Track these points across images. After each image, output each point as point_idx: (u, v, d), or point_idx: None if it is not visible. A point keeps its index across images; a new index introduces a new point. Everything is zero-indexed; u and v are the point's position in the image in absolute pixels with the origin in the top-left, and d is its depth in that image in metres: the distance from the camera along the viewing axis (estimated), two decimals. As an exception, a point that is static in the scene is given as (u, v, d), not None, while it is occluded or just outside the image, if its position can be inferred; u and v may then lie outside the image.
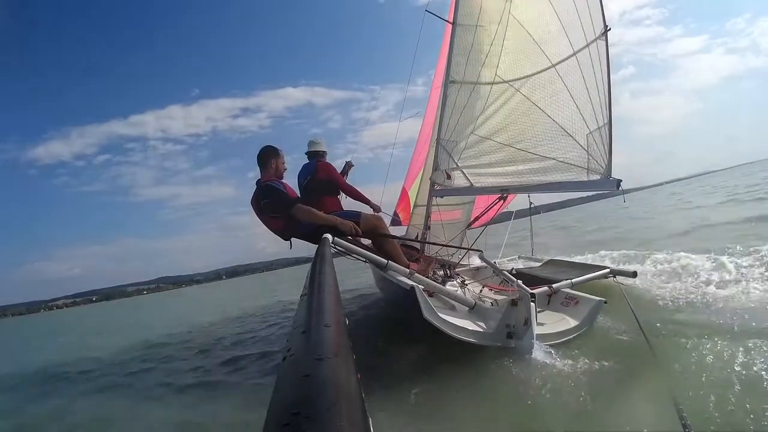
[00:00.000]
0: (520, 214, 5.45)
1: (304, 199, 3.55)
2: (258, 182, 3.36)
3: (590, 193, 3.82)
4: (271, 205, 3.24)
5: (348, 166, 4.92)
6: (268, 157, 3.40)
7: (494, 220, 4.80)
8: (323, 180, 4.16)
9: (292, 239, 3.40)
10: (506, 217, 5.56)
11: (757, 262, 3.76)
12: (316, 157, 4.40)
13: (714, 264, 3.90)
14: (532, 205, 5.02)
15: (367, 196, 4.55)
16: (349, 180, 4.67)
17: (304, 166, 4.33)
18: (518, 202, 5.14)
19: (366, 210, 4.23)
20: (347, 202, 4.35)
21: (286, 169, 3.53)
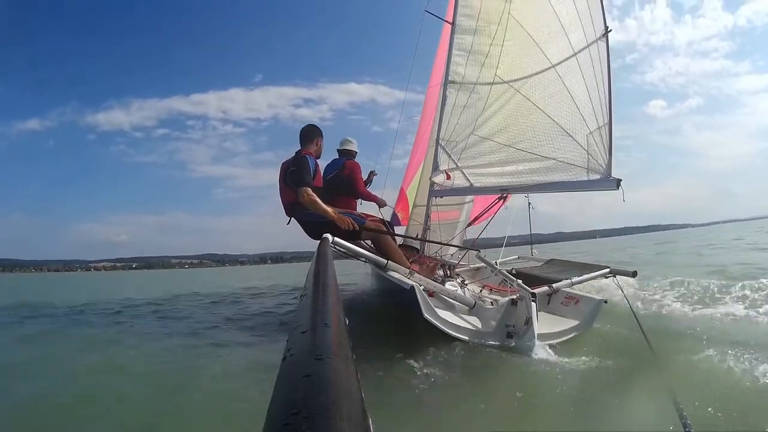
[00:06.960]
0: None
1: (324, 194, 3.51)
2: (298, 152, 3.37)
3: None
4: (294, 175, 3.22)
5: (371, 175, 4.92)
6: (313, 134, 3.44)
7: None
8: (346, 178, 4.16)
9: (294, 222, 3.39)
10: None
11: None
12: (346, 156, 4.39)
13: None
14: (531, 206, 5.07)
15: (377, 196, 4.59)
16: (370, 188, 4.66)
17: (333, 161, 4.35)
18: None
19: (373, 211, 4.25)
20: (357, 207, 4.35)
21: (321, 152, 3.55)
